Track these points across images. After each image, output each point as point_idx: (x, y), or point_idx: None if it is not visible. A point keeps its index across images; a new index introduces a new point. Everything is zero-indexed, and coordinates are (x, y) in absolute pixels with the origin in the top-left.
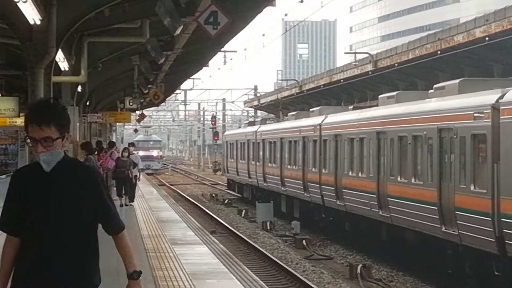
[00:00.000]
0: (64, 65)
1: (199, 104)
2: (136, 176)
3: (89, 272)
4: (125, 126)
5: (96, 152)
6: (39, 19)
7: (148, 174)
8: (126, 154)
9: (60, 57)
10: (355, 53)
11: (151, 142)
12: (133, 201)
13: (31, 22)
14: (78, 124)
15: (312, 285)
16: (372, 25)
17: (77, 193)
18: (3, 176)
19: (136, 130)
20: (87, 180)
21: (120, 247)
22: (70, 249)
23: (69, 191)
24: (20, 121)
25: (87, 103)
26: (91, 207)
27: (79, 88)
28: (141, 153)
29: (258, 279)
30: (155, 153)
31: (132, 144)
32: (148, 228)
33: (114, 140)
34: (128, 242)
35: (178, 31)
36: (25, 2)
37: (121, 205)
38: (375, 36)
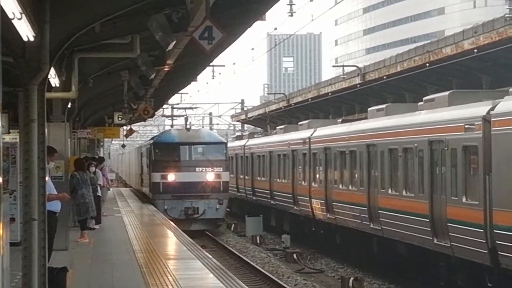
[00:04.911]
0: (55, 81)
1: (185, 119)
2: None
3: None
4: (112, 142)
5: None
6: (33, 36)
7: (192, 232)
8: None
9: (51, 73)
10: (343, 66)
11: (200, 149)
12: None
13: (25, 38)
14: (69, 140)
15: None
16: (357, 38)
17: None
18: None
19: (123, 145)
20: None
21: None
22: None
23: None
24: (9, 137)
25: (77, 119)
26: None
27: (69, 104)
28: (171, 176)
29: None
30: (211, 175)
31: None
32: (140, 244)
33: (102, 155)
34: None
35: (170, 46)
36: (20, 19)
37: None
38: (360, 49)
